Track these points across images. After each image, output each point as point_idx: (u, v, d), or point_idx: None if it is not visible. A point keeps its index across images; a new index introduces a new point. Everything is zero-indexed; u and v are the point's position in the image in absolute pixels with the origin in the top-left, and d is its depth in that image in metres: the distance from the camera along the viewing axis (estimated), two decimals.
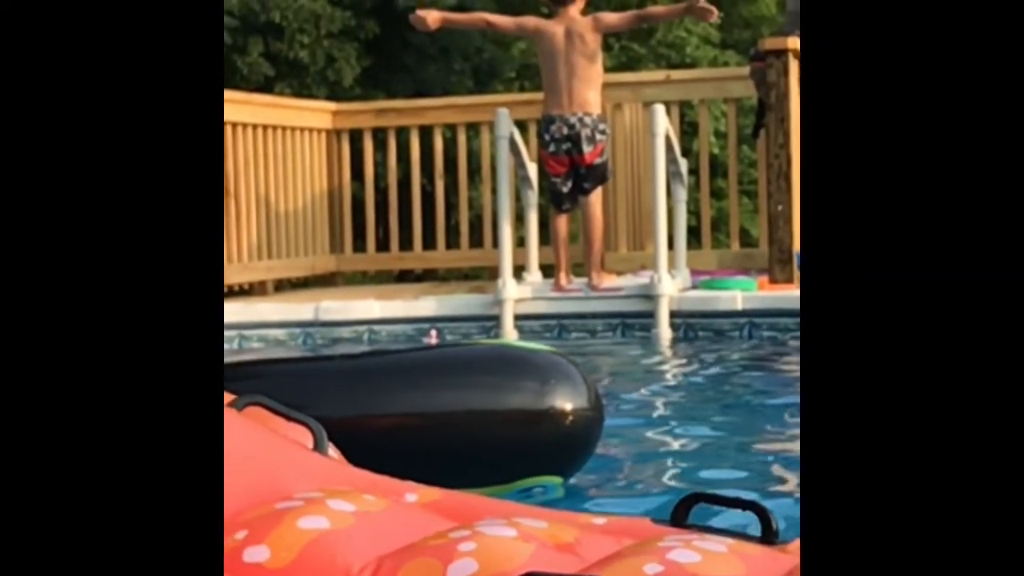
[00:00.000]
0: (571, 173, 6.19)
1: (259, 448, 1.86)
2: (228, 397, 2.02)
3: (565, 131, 6.11)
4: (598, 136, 6.14)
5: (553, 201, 6.32)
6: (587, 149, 6.12)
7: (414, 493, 1.85)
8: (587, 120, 6.12)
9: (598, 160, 6.16)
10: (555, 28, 6.17)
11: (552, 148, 6.17)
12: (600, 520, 1.76)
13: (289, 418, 2.06)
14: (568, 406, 2.74)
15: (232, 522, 1.66)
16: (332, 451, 2.07)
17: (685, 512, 1.76)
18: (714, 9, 6.18)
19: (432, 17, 6.37)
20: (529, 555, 1.57)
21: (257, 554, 1.61)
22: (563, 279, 6.27)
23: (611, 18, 6.44)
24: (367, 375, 2.80)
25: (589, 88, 6.15)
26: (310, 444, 2.01)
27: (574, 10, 6.19)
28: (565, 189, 6.21)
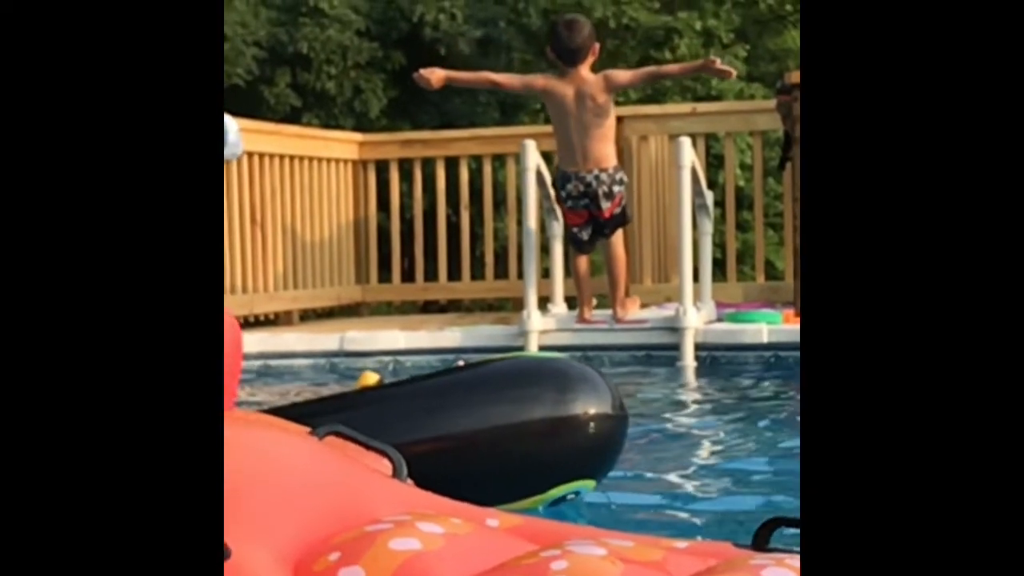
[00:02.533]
0: (590, 222, 6.16)
1: (343, 474, 1.89)
2: (304, 428, 2.05)
3: (582, 188, 6.07)
4: (615, 189, 6.08)
5: (573, 245, 6.30)
6: (605, 205, 6.08)
7: (495, 519, 1.86)
8: (603, 177, 6.05)
9: (617, 210, 6.13)
10: (565, 88, 6.05)
11: (570, 204, 6.14)
12: (682, 544, 1.76)
13: (368, 447, 2.08)
14: (592, 410, 2.78)
15: (323, 544, 1.68)
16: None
17: (767, 536, 1.76)
18: (732, 69, 6.12)
19: (436, 76, 6.26)
20: (619, 574, 1.58)
21: (352, 575, 1.62)
22: (587, 312, 6.26)
23: (622, 76, 6.28)
24: (395, 402, 2.81)
25: (603, 144, 6.07)
26: (389, 472, 2.03)
27: (584, 69, 6.05)
28: (585, 236, 6.19)
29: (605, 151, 6.06)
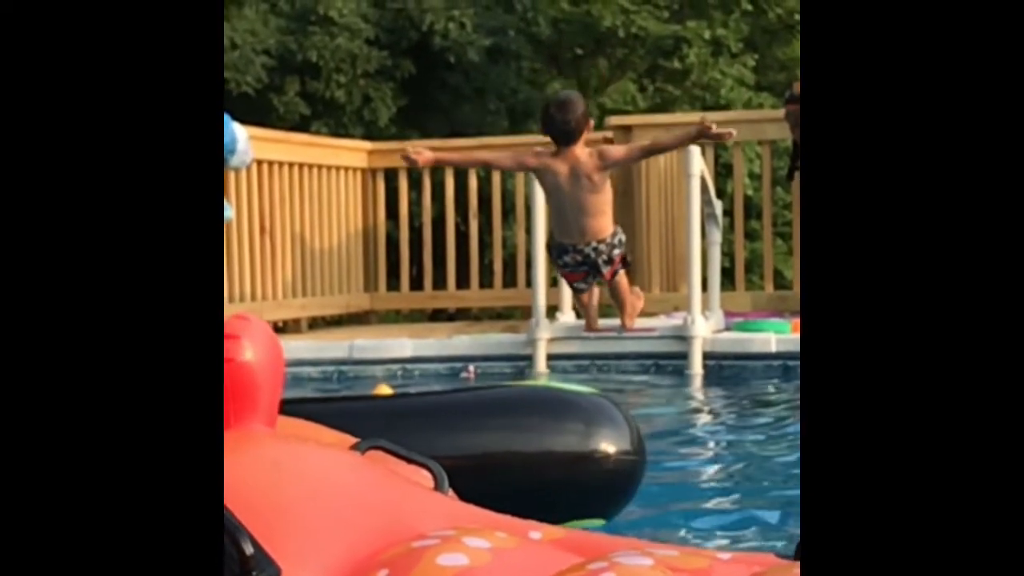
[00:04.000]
0: (590, 276, 6.06)
1: (388, 489, 1.88)
2: (349, 441, 2.04)
3: (580, 259, 5.96)
4: (615, 252, 5.96)
5: (574, 291, 6.22)
6: (605, 269, 5.97)
7: (538, 531, 1.86)
8: (602, 247, 5.93)
9: (619, 267, 6.01)
10: (558, 167, 5.87)
11: (568, 269, 6.05)
12: (725, 554, 1.76)
13: (410, 461, 2.06)
14: (612, 449, 2.71)
15: (370, 561, 1.68)
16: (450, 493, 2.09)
17: None
18: (730, 131, 5.91)
19: (423, 158, 6.09)
20: None
21: None
22: (594, 324, 6.23)
23: (616, 153, 6.03)
24: (408, 416, 2.79)
25: (600, 218, 5.92)
26: (431, 485, 2.02)
27: (578, 148, 5.87)
28: (584, 286, 6.11)
29: (602, 223, 5.92)
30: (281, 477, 1.77)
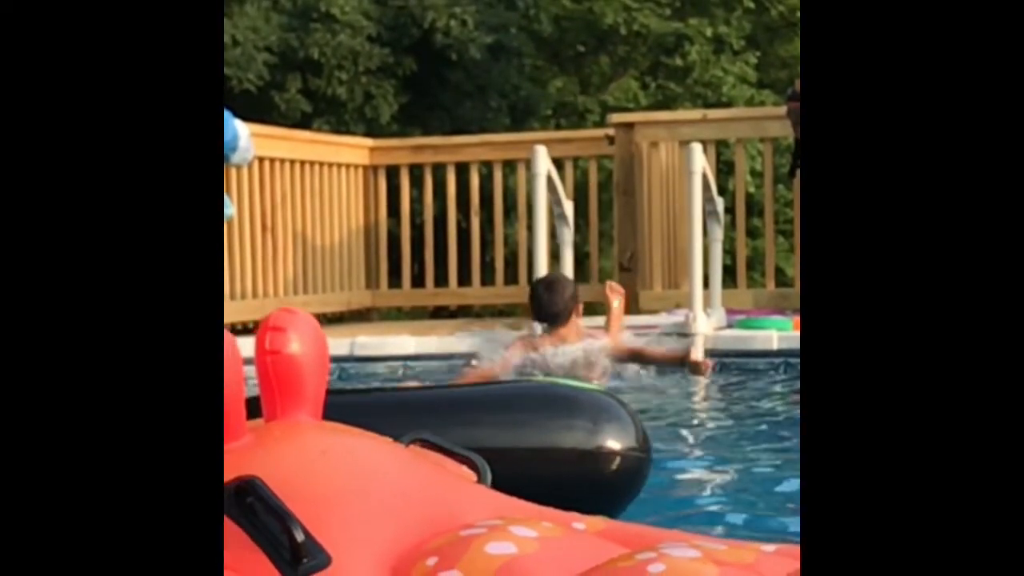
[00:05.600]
0: None
1: (433, 480, 1.89)
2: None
3: None
4: (601, 370, 5.68)
5: None
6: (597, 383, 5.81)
7: (581, 522, 1.86)
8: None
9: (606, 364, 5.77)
10: (545, 348, 5.58)
11: None
12: (770, 547, 1.76)
13: (452, 454, 2.07)
14: (617, 446, 2.71)
15: (419, 549, 1.69)
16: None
17: None
18: (710, 363, 5.76)
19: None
20: (716, 575, 1.57)
21: None
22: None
23: (603, 345, 5.74)
24: (415, 409, 2.78)
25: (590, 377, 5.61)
26: (473, 478, 2.03)
27: (565, 329, 5.62)
28: None
29: (592, 375, 5.61)
30: (329, 466, 1.78)
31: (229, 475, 1.68)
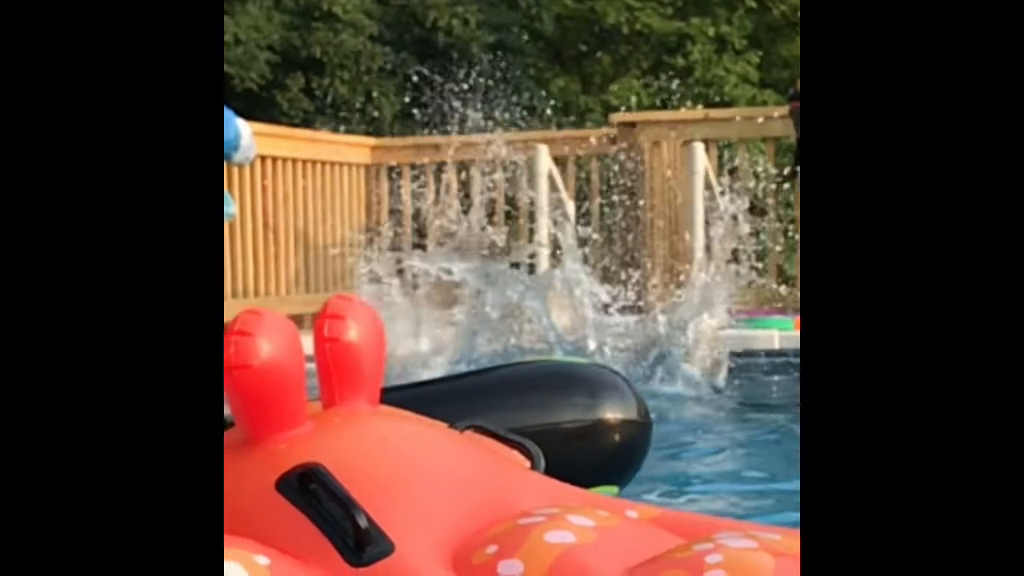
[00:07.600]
0: None
1: (490, 467, 1.90)
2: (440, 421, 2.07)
3: None
4: None
5: None
6: None
7: (634, 511, 1.86)
8: None
9: None
10: None
11: None
12: None
13: (506, 441, 2.08)
14: (618, 416, 2.76)
15: (478, 537, 1.69)
16: None
17: None
18: None
19: None
20: (773, 567, 1.57)
21: (512, 568, 1.63)
22: None
23: None
24: (423, 402, 2.80)
25: None
26: (527, 465, 2.04)
27: None
28: None
29: None
30: (389, 453, 1.78)
31: (291, 462, 1.69)
